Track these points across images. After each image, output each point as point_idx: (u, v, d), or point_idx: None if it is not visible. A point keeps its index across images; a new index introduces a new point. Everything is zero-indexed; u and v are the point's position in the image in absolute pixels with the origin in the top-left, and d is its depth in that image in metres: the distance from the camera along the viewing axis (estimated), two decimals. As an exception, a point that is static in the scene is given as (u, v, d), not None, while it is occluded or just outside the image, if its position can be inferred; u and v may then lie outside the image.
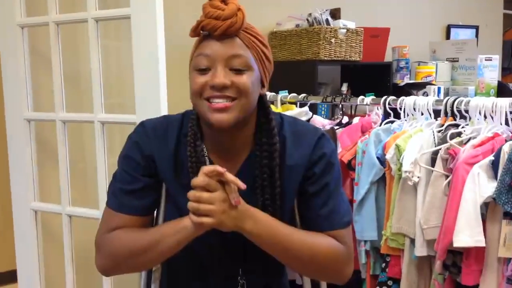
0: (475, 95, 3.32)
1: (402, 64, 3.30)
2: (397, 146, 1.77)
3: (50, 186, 2.23)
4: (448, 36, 4.16)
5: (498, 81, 3.54)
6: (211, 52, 1.12)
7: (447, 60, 3.59)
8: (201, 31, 1.15)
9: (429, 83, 3.26)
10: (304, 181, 1.24)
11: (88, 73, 2.20)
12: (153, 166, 1.23)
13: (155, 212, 1.30)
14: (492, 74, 3.49)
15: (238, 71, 1.13)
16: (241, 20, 1.12)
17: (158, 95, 1.78)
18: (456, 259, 1.64)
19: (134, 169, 1.23)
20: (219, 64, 1.12)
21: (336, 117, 2.32)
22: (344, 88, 2.90)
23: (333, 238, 1.22)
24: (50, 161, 2.25)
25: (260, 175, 1.19)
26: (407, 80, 3.27)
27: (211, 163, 1.23)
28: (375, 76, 3.13)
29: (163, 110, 1.79)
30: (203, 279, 1.29)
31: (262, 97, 1.22)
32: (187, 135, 1.21)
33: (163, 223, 1.27)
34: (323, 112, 2.66)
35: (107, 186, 1.31)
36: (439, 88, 3.12)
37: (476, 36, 4.31)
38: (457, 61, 3.56)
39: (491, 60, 3.49)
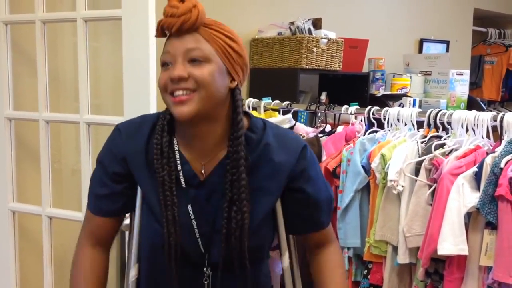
0: (447, 108, 3.41)
1: (378, 75, 3.36)
2: (383, 156, 1.81)
3: (25, 187, 2.19)
4: (420, 50, 4.26)
5: (468, 95, 3.65)
6: (171, 48, 1.16)
7: (420, 73, 3.68)
8: (165, 31, 1.18)
9: (405, 95, 3.33)
10: (289, 192, 1.27)
11: (65, 73, 2.16)
12: (127, 168, 1.24)
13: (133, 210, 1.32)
14: (462, 88, 3.60)
15: (197, 63, 1.15)
16: (196, 15, 1.14)
17: (147, 97, 1.77)
18: (438, 267, 1.68)
19: (106, 175, 1.26)
20: (179, 58, 1.15)
21: (319, 125, 2.35)
22: (323, 97, 2.94)
23: (334, 253, 1.37)
24: (27, 161, 2.20)
25: (229, 170, 1.20)
26: (382, 91, 3.34)
27: (182, 157, 1.23)
28: (352, 86, 3.18)
29: (152, 112, 1.78)
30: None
31: (233, 91, 1.22)
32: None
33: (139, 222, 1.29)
34: (302, 120, 2.69)
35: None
36: (414, 100, 3.19)
37: (447, 50, 4.43)
38: (430, 74, 3.65)
39: (462, 74, 3.60)
